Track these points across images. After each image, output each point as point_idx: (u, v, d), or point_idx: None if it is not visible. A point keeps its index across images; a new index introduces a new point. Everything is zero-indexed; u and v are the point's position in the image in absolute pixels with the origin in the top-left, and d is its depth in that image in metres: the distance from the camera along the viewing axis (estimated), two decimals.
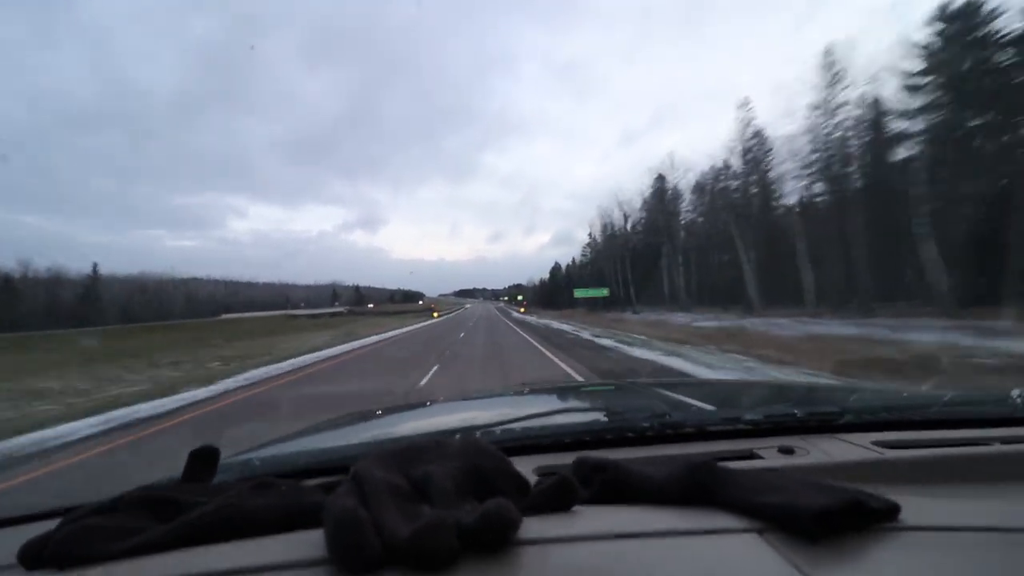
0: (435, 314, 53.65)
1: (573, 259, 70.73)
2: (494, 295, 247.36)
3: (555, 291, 68.56)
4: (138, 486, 0.56)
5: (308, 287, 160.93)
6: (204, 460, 0.61)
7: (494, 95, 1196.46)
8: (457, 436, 0.79)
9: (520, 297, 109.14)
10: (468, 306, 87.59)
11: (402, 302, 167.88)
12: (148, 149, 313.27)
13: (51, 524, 0.51)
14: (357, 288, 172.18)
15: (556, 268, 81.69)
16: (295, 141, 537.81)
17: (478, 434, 0.91)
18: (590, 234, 60.31)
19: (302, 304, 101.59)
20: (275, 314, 76.61)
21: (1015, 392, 1.03)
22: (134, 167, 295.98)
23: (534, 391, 1.96)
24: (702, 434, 0.91)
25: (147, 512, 0.52)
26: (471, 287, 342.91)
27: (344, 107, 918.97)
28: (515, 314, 56.12)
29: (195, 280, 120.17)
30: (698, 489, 0.51)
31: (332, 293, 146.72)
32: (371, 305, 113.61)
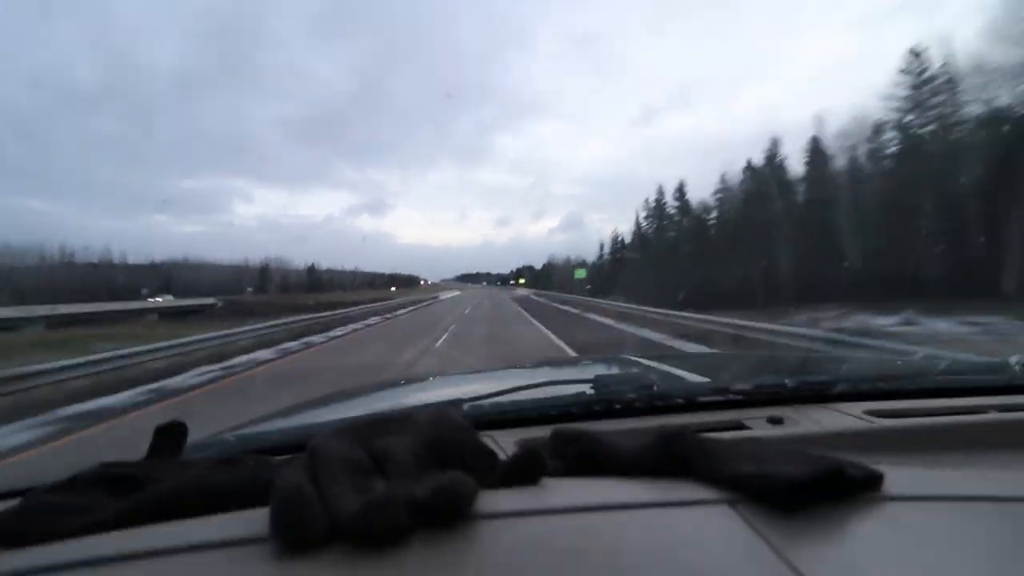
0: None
1: (621, 240, 59.36)
2: (500, 280, 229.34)
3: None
4: (99, 463, 0.56)
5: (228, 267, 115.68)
6: (170, 436, 0.59)
7: (507, 73, 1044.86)
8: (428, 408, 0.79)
9: (522, 280, 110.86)
10: (452, 296, 55.29)
11: (387, 287, 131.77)
12: (152, 131, 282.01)
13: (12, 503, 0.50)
14: (312, 268, 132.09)
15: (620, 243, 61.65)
16: (301, 122, 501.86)
17: (465, 407, 0.89)
18: (646, 215, 50.36)
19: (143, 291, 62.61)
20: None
21: (1013, 359, 1.02)
22: (136, 149, 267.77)
23: (524, 366, 2.09)
24: (690, 405, 0.91)
25: (105, 490, 0.50)
26: (475, 271, 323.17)
27: (352, 86, 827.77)
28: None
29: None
30: (672, 459, 0.50)
31: (260, 272, 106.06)
32: (253, 296, 77.22)
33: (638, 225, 53.54)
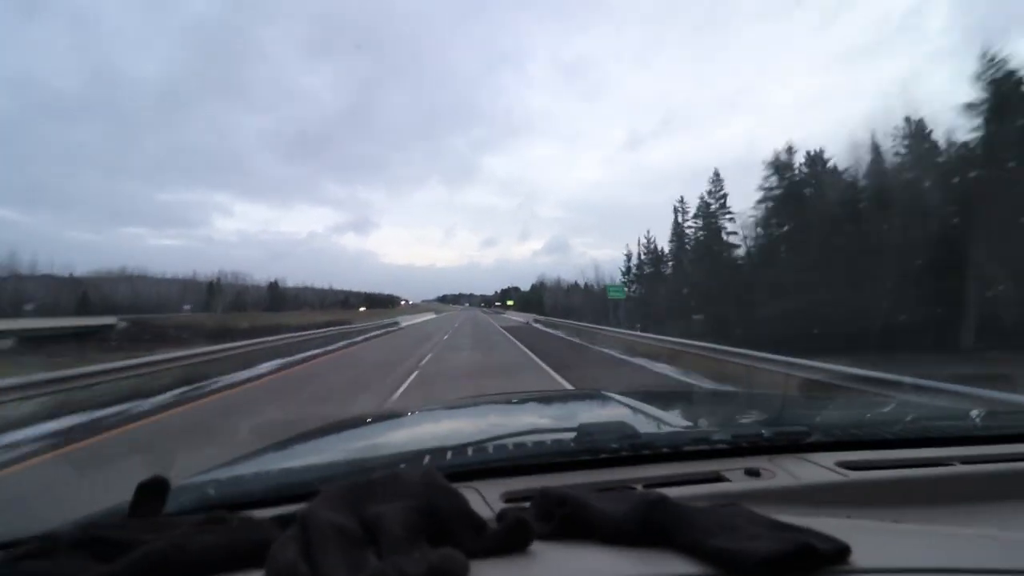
0: None
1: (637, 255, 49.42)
2: (484, 301, 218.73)
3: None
4: (77, 521, 0.56)
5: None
6: (153, 492, 0.59)
7: (496, 96, 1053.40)
8: (427, 461, 0.87)
9: (510, 302, 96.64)
10: (419, 322, 40.39)
11: (359, 307, 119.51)
12: (131, 142, 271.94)
13: None
14: (274, 285, 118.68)
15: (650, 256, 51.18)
16: (287, 136, 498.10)
17: (449, 455, 0.91)
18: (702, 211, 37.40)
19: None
20: None
21: (974, 412, 1.13)
22: (114, 159, 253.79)
23: (512, 401, 1.96)
24: (672, 455, 0.92)
25: (87, 552, 0.49)
26: (457, 292, 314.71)
27: (341, 104, 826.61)
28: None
29: None
30: (654, 527, 0.52)
31: (208, 288, 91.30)
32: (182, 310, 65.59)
33: (677, 231, 39.78)
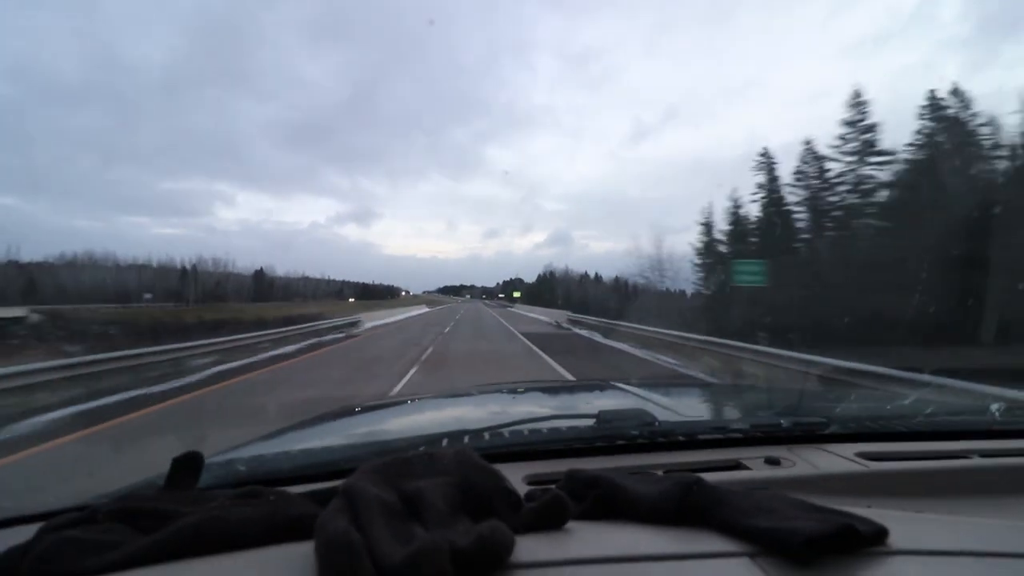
0: None
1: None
2: (486, 293, 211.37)
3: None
4: (116, 494, 0.55)
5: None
6: (187, 466, 0.59)
7: (501, 87, 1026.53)
8: (445, 444, 0.85)
9: (517, 294, 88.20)
10: (404, 319, 29.43)
11: (361, 297, 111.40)
12: (130, 128, 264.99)
13: (27, 529, 0.51)
14: (260, 273, 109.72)
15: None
16: (290, 126, 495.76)
17: (466, 439, 0.90)
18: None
19: None
20: None
21: (994, 406, 1.10)
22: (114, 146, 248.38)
23: (521, 390, 1.88)
24: (690, 443, 0.91)
25: (127, 523, 0.49)
26: (458, 284, 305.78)
27: (344, 92, 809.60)
28: None
29: None
30: (691, 509, 0.51)
31: (182, 275, 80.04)
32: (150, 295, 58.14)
33: (772, 190, 23.48)
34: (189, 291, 70.90)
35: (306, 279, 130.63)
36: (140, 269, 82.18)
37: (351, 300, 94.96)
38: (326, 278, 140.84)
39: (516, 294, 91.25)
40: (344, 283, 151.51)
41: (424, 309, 50.23)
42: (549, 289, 75.84)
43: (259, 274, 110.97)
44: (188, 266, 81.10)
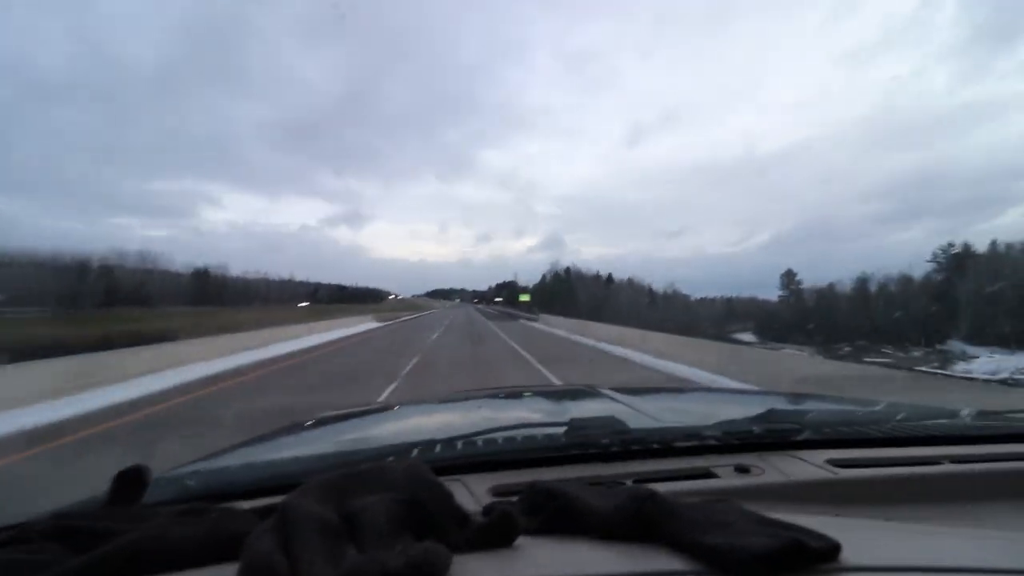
0: None
1: None
2: (477, 296, 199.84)
3: None
4: (52, 511, 0.53)
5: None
6: (132, 481, 0.57)
7: (493, 89, 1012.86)
8: (398, 460, 0.80)
9: (525, 297, 69.47)
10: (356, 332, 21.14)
11: (344, 301, 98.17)
12: (118, 127, 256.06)
13: None
14: (203, 272, 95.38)
15: None
16: (280, 126, 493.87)
17: (437, 448, 0.90)
18: None
19: None
20: None
21: (965, 411, 1.10)
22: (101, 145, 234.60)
23: (495, 395, 1.87)
24: (662, 451, 0.91)
25: (62, 542, 0.48)
26: (448, 287, 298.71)
27: (335, 93, 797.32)
28: None
29: None
30: (644, 522, 0.51)
31: (78, 274, 63.62)
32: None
33: None
34: (84, 294, 55.72)
35: (267, 280, 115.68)
36: (24, 266, 63.57)
37: (304, 304, 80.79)
38: (292, 279, 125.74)
39: (524, 297, 70.55)
40: (319, 285, 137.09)
41: (372, 324, 30.50)
42: (566, 289, 61.37)
43: (201, 274, 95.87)
44: (96, 264, 64.13)
